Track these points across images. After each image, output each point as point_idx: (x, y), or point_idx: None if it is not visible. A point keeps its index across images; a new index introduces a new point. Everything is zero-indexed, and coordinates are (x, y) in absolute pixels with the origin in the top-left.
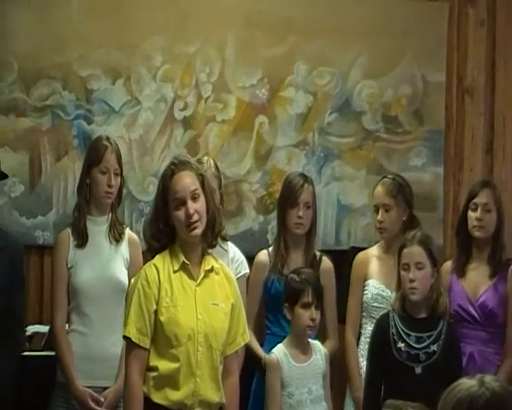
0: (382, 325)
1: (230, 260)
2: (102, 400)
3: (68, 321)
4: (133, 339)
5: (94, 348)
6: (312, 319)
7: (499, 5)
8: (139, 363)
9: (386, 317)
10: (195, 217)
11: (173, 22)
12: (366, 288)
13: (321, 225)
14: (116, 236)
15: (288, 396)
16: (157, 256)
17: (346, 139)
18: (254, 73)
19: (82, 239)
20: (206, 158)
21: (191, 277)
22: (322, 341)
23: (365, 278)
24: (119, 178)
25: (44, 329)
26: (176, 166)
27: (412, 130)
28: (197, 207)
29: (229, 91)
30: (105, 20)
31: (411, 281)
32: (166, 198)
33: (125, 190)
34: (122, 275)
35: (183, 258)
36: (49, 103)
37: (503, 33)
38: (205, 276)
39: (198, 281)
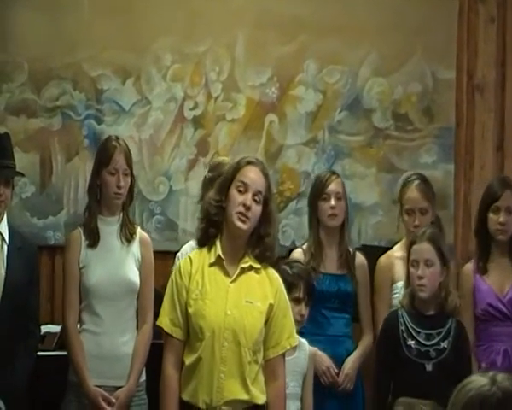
0: (391, 323)
1: None
2: (114, 400)
3: (80, 321)
4: (165, 329)
5: (105, 347)
6: (301, 315)
7: (509, 2)
8: (174, 354)
9: (395, 314)
10: (249, 213)
11: (183, 22)
12: (395, 291)
13: None
14: (127, 236)
15: None
16: (194, 251)
17: (356, 137)
18: (264, 72)
19: (93, 239)
20: None
21: (226, 273)
22: (358, 336)
23: (392, 282)
24: (128, 179)
25: (56, 329)
26: (254, 160)
27: (422, 127)
28: (255, 208)
29: (238, 90)
30: (115, 20)
31: (420, 278)
32: (232, 178)
33: (135, 190)
34: (133, 275)
35: (219, 252)
36: (60, 104)
37: None
38: (241, 273)
39: (233, 278)
